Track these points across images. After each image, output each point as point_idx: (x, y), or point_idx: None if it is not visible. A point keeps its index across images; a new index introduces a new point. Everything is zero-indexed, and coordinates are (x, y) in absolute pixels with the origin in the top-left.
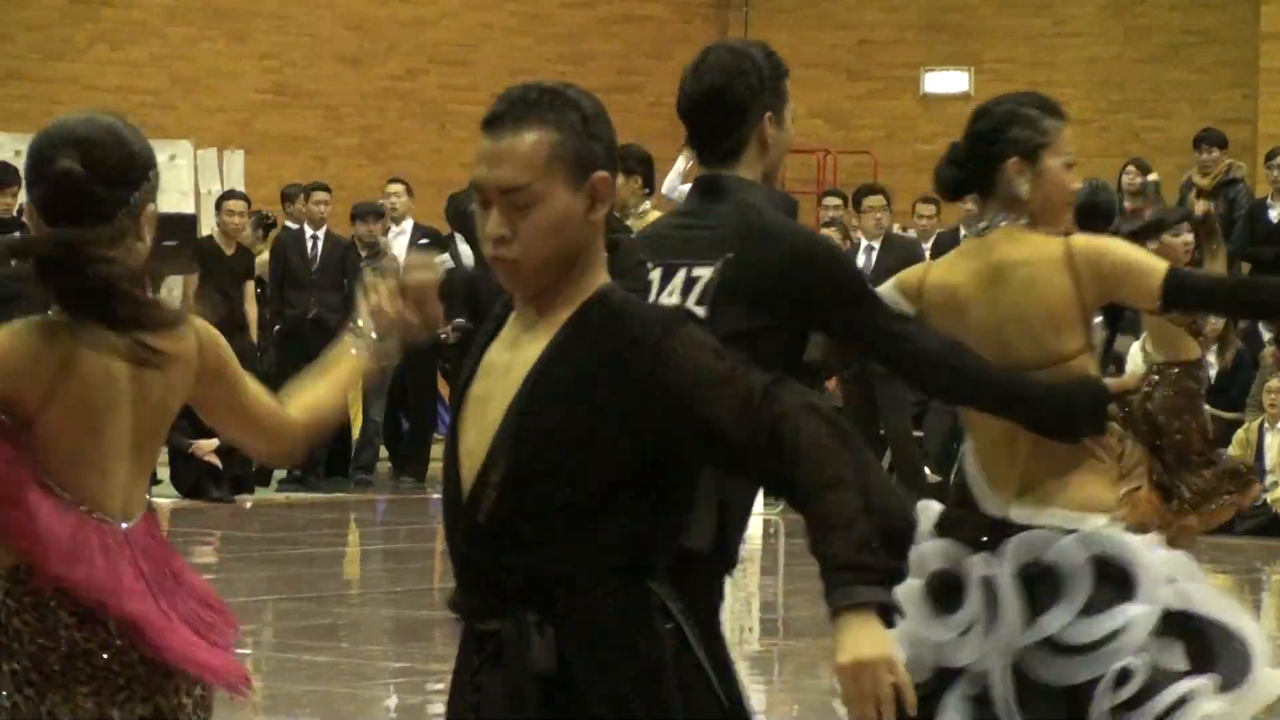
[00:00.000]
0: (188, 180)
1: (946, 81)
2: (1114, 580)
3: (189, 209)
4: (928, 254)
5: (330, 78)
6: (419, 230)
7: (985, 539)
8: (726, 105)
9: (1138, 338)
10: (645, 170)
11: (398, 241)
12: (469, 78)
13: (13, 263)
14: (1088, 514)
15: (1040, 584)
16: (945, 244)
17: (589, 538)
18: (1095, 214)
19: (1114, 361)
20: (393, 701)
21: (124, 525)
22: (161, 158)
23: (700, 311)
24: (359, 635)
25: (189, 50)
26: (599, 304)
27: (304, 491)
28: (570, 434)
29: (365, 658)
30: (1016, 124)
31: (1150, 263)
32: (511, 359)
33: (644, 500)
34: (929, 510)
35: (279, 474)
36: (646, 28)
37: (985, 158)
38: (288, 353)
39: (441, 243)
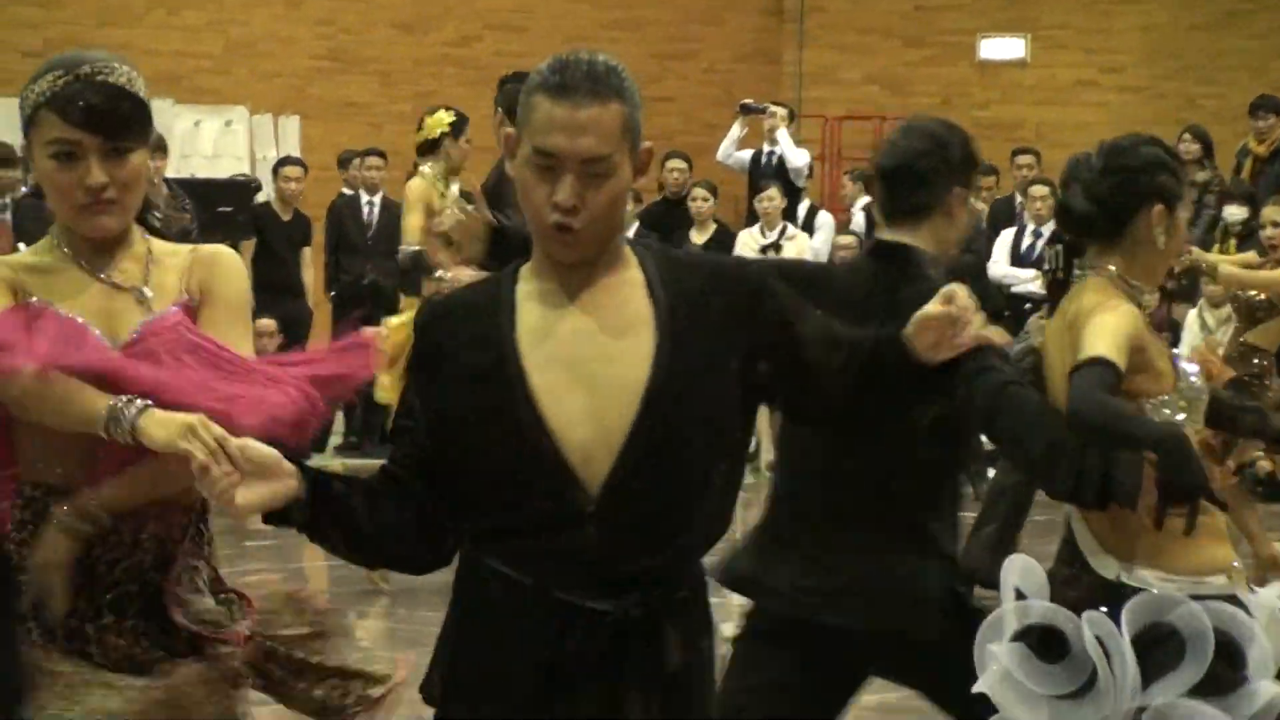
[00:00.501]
0: (244, 146)
1: (1003, 48)
2: (1229, 650)
3: (245, 174)
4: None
5: (385, 43)
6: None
7: (1098, 600)
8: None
9: (1194, 305)
10: None
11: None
12: (523, 44)
13: None
14: (1205, 576)
15: (1157, 649)
16: (1000, 213)
17: (699, 519)
18: None
19: (1169, 328)
20: None
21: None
22: (218, 123)
23: None
24: (411, 600)
25: (245, 16)
26: (666, 258)
27: (360, 458)
28: (706, 402)
29: (421, 623)
30: (1164, 170)
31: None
32: (578, 328)
33: (733, 476)
34: (1035, 571)
35: (334, 440)
36: None
37: (1129, 199)
38: (344, 319)
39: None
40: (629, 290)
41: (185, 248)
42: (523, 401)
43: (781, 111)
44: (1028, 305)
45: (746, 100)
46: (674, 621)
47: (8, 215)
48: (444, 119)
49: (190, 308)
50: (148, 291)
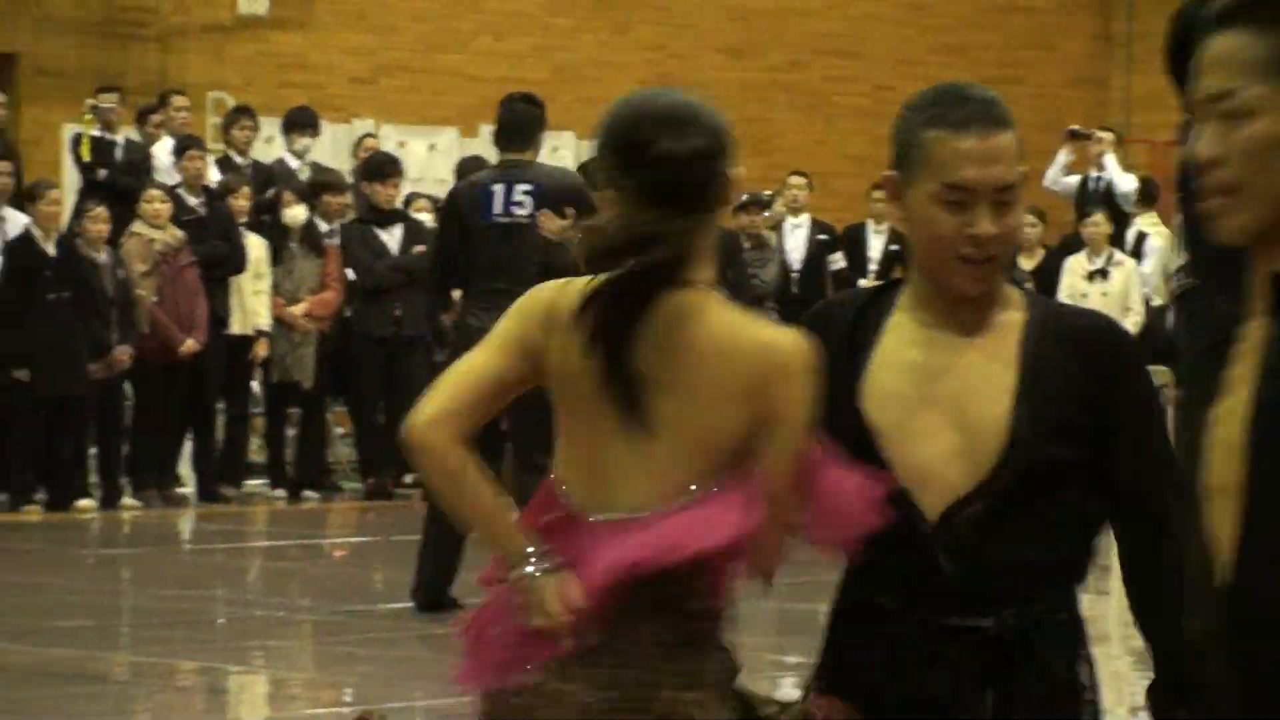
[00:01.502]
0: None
1: None
2: None
3: None
4: None
5: (713, 68)
6: (817, 225)
7: None
8: None
9: None
10: None
11: (795, 235)
12: (853, 68)
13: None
14: None
15: None
16: None
17: (1064, 538)
18: None
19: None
20: (781, 695)
21: None
22: (545, 149)
23: None
24: (743, 629)
25: (571, 41)
26: (1048, 306)
27: None
28: (1069, 422)
29: (751, 650)
30: None
31: None
32: (943, 358)
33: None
34: None
35: None
36: (1029, 18)
37: None
38: None
39: (837, 239)
40: (1006, 329)
41: None
42: (862, 424)
43: (1109, 136)
44: None
45: (1074, 126)
46: (1048, 641)
47: (336, 240)
48: None
49: None
50: None
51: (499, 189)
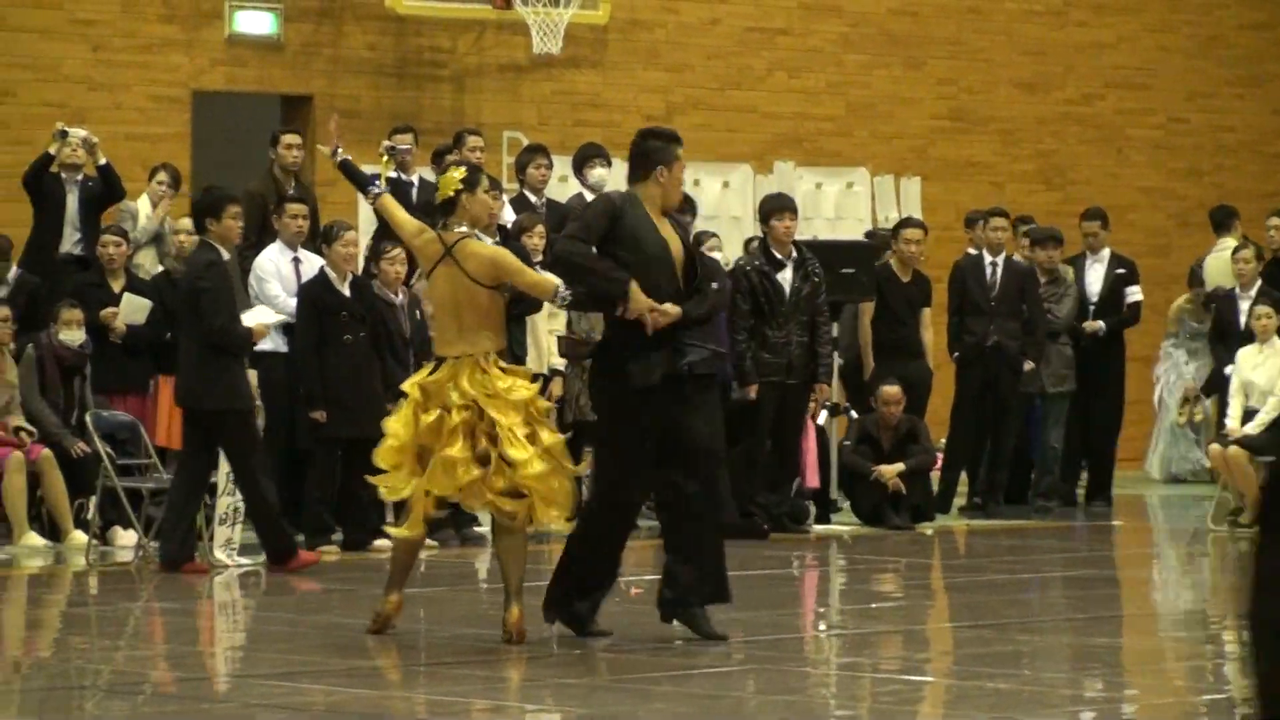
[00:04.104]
0: (865, 208)
1: None
2: None
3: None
4: None
5: (1006, 102)
6: (1115, 259)
7: None
8: None
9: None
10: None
11: (1093, 270)
12: (1146, 101)
13: None
14: None
15: None
16: None
17: None
18: None
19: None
20: None
21: None
22: (838, 185)
23: None
24: (1041, 663)
25: (865, 77)
26: None
27: (984, 518)
28: None
29: (1047, 685)
30: None
31: None
32: None
33: None
34: None
35: (959, 501)
36: None
37: None
38: (967, 380)
39: (1135, 272)
40: None
41: None
42: None
43: None
44: None
45: None
46: None
47: None
48: (455, 177)
49: None
50: None
51: None
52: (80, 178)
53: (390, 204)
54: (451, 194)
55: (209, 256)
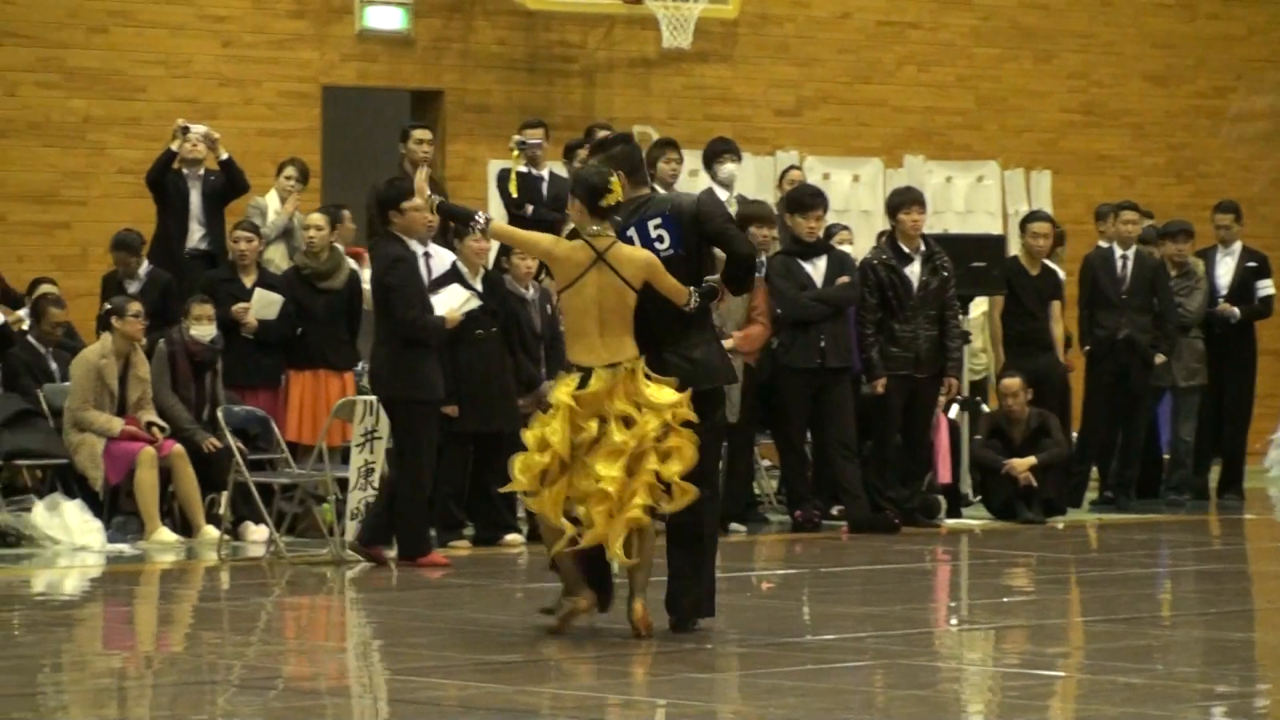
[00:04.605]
0: (995, 200)
1: None
2: None
3: (996, 229)
4: None
5: (1137, 96)
6: (1246, 252)
7: None
8: None
9: None
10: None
11: (1224, 264)
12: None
13: None
14: None
15: None
16: None
17: None
18: None
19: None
20: None
21: None
22: (969, 178)
23: None
24: (1173, 658)
25: (995, 71)
26: None
27: (1115, 512)
28: None
29: (1180, 679)
30: None
31: None
32: None
33: None
34: None
35: (1090, 495)
36: None
37: None
38: (1097, 374)
39: (1266, 265)
40: None
41: None
42: None
43: None
44: None
45: None
46: None
47: (764, 272)
48: (619, 181)
49: None
50: None
51: (632, 233)
52: (202, 173)
53: (505, 228)
54: (619, 199)
55: (393, 251)
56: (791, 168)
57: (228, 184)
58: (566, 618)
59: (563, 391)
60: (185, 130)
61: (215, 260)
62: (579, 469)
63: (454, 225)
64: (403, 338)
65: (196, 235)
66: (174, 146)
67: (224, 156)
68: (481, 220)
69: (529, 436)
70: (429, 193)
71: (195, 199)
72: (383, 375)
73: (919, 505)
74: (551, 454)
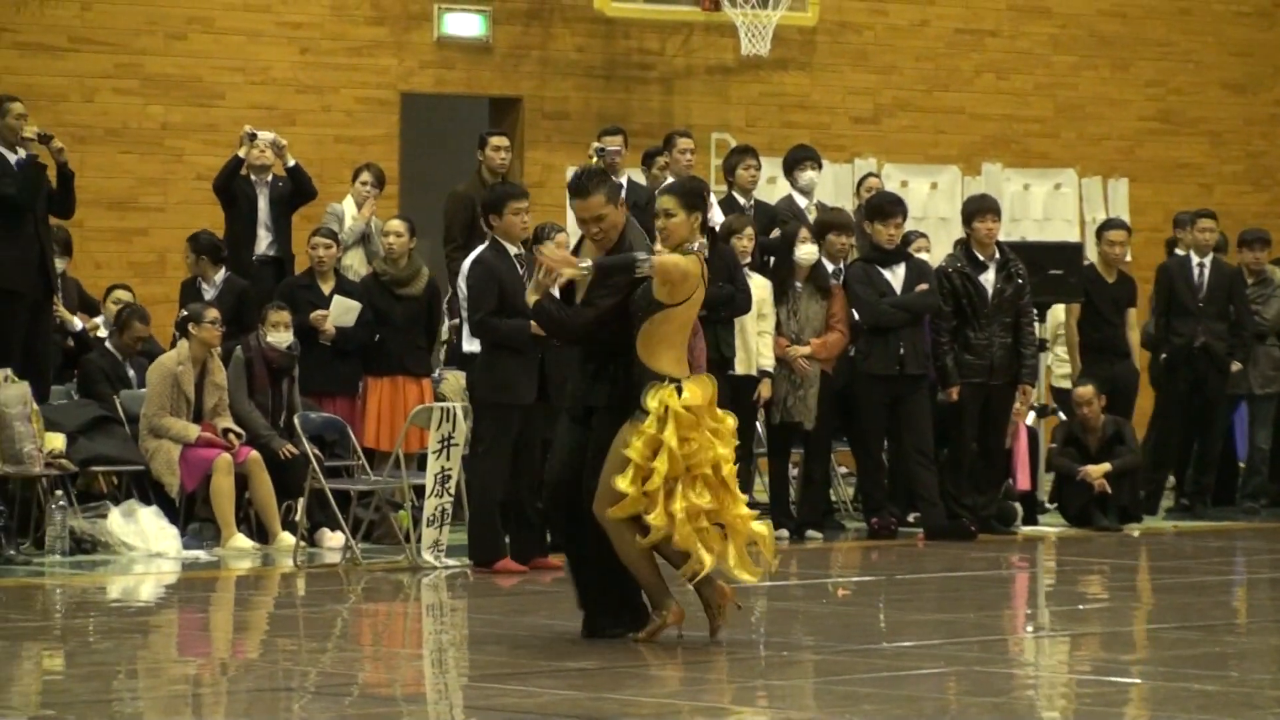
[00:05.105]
0: (1072, 208)
1: None
2: None
3: (1074, 237)
4: None
5: (1214, 104)
6: None
7: None
8: None
9: None
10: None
11: None
12: None
13: None
14: None
15: None
16: None
17: None
18: None
19: None
20: None
21: None
22: (1046, 186)
23: None
24: (1248, 665)
25: (1073, 78)
26: None
27: (1191, 519)
28: None
29: (1254, 686)
30: None
31: None
32: None
33: None
34: None
35: (1166, 502)
36: None
37: None
38: (1173, 382)
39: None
40: None
41: None
42: None
43: None
44: None
45: None
46: None
47: (842, 280)
48: None
49: None
50: None
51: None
52: (269, 179)
53: (667, 259)
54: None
55: (482, 253)
56: (869, 175)
57: (295, 190)
58: (654, 633)
59: (671, 398)
60: (253, 136)
61: (283, 266)
62: (690, 483)
63: (534, 231)
64: (486, 341)
65: (264, 241)
66: (241, 153)
67: (291, 163)
68: (646, 263)
69: (633, 449)
70: (583, 259)
71: (263, 205)
72: (470, 376)
73: (995, 512)
74: (672, 460)
